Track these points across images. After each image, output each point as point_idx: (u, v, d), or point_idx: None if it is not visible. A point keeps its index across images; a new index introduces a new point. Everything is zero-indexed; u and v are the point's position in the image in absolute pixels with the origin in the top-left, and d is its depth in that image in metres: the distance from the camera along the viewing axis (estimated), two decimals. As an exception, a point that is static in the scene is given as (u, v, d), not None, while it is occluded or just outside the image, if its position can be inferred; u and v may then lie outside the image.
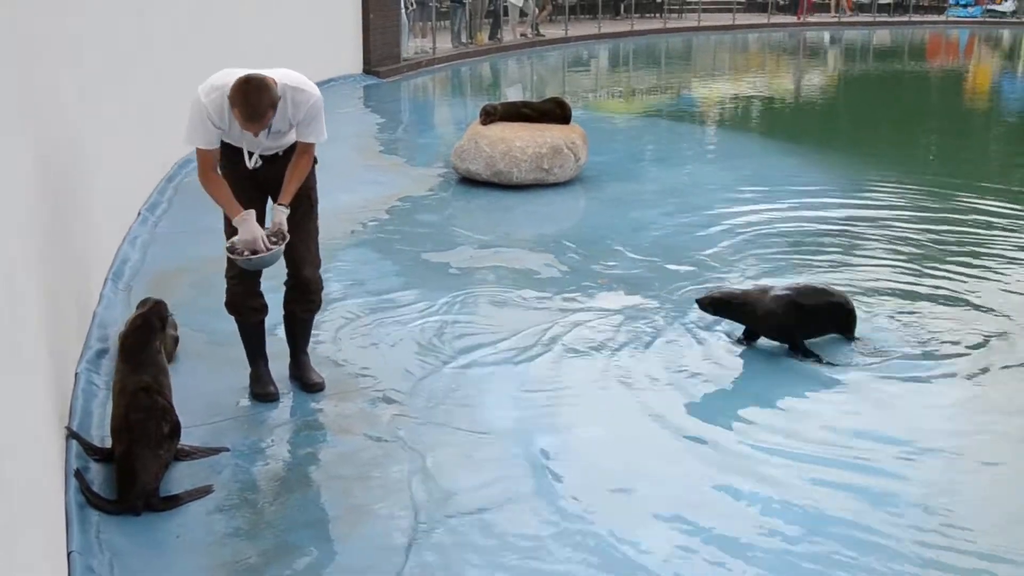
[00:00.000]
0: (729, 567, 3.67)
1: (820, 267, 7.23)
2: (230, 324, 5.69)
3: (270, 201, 4.82)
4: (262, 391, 4.96)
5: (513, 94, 17.95)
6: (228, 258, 4.72)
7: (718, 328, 5.95)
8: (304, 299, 5.03)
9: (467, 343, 5.72)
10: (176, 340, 5.41)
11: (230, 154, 4.67)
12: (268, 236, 4.62)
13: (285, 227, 4.64)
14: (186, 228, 7.98)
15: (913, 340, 5.86)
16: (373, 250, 7.48)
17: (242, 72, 4.33)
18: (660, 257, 7.43)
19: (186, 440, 4.33)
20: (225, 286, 4.90)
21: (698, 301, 5.65)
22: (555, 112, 10.48)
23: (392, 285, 6.71)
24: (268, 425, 4.72)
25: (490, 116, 10.29)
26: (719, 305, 5.61)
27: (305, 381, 5.10)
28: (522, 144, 9.71)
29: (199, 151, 4.52)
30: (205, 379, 5.17)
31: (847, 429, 4.74)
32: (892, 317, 6.20)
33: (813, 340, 5.72)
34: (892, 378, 5.34)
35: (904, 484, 4.25)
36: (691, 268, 7.17)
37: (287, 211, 4.66)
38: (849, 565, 3.69)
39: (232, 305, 4.94)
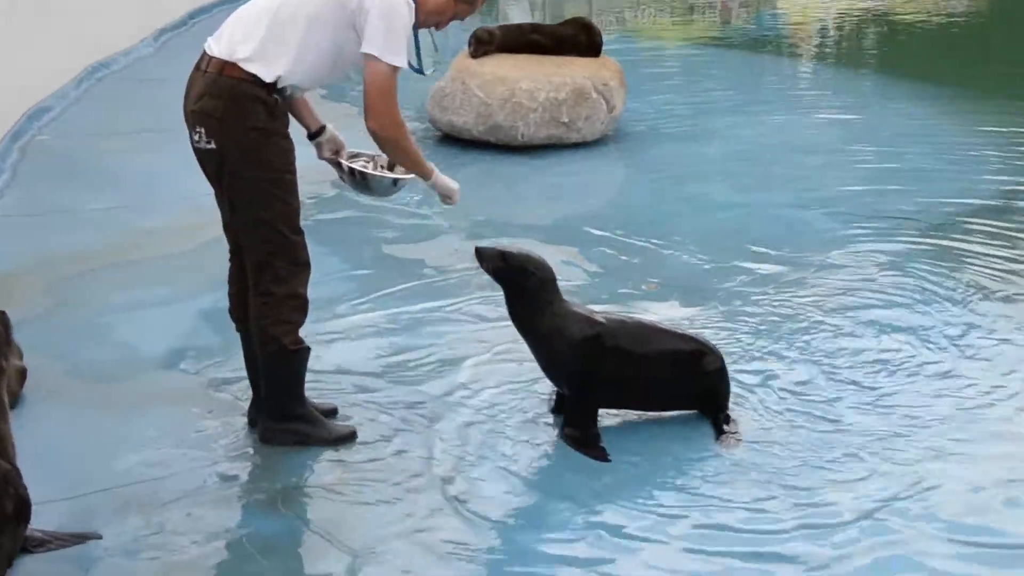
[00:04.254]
0: None
1: (961, 267, 7.17)
2: (100, 350, 5.70)
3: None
4: (347, 431, 5.16)
5: (517, 13, 17.94)
6: (291, 267, 4.85)
7: (819, 362, 5.93)
8: None
9: (445, 379, 5.71)
10: (22, 373, 5.37)
11: None
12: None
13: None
14: (37, 209, 7.99)
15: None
16: (316, 241, 7.38)
17: None
18: (730, 251, 7.43)
19: (40, 521, 4.28)
20: (291, 310, 4.91)
21: (479, 250, 5.15)
22: (577, 39, 10.48)
23: (342, 291, 6.70)
24: (160, 500, 4.68)
25: (483, 45, 10.27)
26: (502, 274, 5.10)
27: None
28: (530, 86, 9.70)
29: (394, 78, 4.74)
30: (66, 431, 5.15)
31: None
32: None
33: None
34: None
35: None
36: (775, 267, 7.17)
37: None
38: None
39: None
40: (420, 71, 5.18)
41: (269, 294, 4.85)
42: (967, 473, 4.87)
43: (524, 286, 5.08)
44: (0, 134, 9.18)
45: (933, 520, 4.53)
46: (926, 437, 5.18)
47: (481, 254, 5.11)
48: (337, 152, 5.15)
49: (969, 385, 5.67)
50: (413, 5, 4.78)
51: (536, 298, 5.08)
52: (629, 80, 10.50)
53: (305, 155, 5.06)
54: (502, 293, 5.08)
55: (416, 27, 4.91)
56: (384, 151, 4.94)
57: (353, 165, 5.11)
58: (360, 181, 5.12)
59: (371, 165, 5.15)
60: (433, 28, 5.11)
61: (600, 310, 5.51)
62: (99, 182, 8.59)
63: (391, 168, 5.19)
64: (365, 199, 5.45)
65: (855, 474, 4.89)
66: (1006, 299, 6.73)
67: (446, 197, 5.12)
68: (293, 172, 4.84)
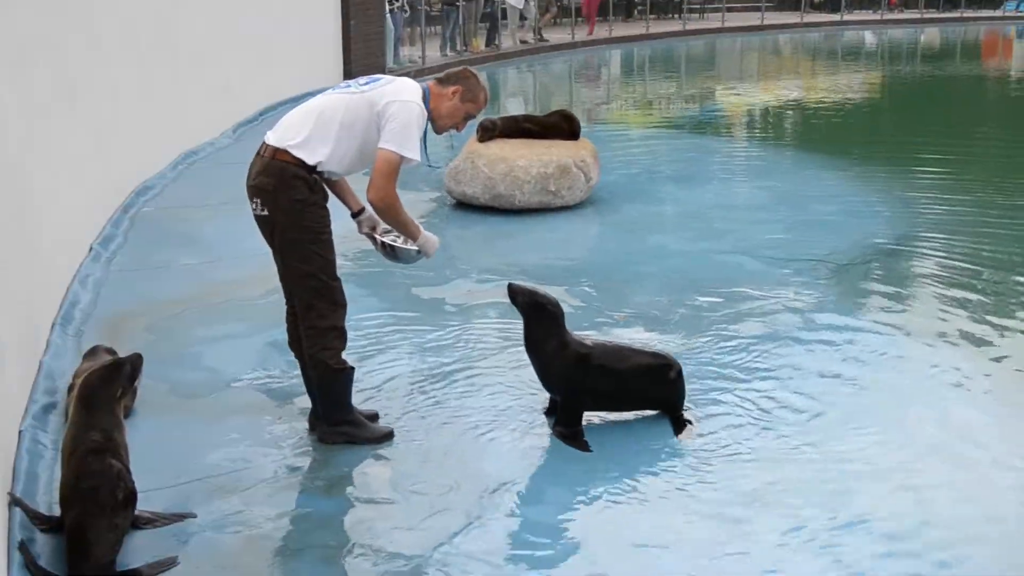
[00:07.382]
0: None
1: (866, 297, 7.25)
2: (192, 373, 5.73)
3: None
4: (387, 431, 5.21)
5: (514, 107, 18.05)
6: (331, 307, 4.90)
7: (754, 372, 5.97)
8: None
9: (467, 390, 5.75)
10: (134, 392, 5.41)
11: None
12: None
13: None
14: (143, 265, 8.02)
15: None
16: (358, 285, 7.48)
17: (407, 80, 5.06)
18: (684, 289, 7.46)
19: (147, 505, 4.31)
20: (333, 339, 4.95)
21: (511, 287, 5.28)
22: (561, 126, 10.57)
23: (380, 325, 6.71)
24: (241, 487, 4.71)
25: (488, 132, 10.35)
26: (527, 307, 5.22)
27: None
28: (525, 163, 9.77)
29: (399, 166, 4.83)
30: (167, 435, 5.18)
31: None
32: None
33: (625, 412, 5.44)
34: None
35: None
36: (719, 300, 7.20)
37: None
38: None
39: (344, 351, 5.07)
40: (430, 165, 5.28)
41: (314, 327, 4.92)
42: (879, 485, 4.86)
43: (541, 318, 5.22)
44: (115, 206, 9.22)
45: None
46: (844, 451, 5.21)
47: (513, 290, 5.26)
48: (373, 228, 5.21)
49: (880, 395, 5.74)
50: (427, 113, 4.95)
51: (548, 328, 5.22)
52: (602, 157, 10.62)
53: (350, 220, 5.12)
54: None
55: (437, 132, 5.10)
56: (379, 216, 4.99)
57: (385, 239, 5.14)
58: (390, 252, 5.15)
59: (401, 239, 5.14)
60: (454, 131, 5.23)
61: (588, 336, 5.59)
62: (190, 244, 8.63)
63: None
64: (394, 265, 5.48)
65: (781, 463, 4.96)
66: (899, 324, 6.79)
67: (426, 251, 5.12)
68: (329, 233, 4.90)
